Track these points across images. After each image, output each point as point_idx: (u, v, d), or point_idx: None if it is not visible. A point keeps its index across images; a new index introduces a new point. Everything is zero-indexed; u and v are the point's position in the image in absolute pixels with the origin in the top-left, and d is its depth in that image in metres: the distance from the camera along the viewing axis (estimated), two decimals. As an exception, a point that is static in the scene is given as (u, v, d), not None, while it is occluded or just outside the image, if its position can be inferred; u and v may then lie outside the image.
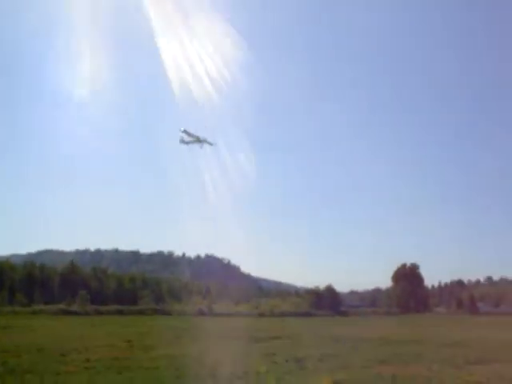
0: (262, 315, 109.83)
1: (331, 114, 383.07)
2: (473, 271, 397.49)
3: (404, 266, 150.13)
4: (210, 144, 62.89)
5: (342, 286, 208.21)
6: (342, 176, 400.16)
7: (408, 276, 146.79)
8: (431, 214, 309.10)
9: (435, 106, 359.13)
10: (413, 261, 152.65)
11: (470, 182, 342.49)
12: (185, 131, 54.93)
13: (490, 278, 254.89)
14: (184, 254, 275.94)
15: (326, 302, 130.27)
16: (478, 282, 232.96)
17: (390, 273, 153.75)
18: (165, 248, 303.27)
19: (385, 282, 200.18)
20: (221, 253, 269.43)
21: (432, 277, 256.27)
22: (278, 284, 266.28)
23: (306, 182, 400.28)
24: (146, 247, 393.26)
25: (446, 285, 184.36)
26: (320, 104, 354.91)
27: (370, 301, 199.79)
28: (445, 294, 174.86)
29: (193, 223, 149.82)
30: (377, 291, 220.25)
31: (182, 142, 55.14)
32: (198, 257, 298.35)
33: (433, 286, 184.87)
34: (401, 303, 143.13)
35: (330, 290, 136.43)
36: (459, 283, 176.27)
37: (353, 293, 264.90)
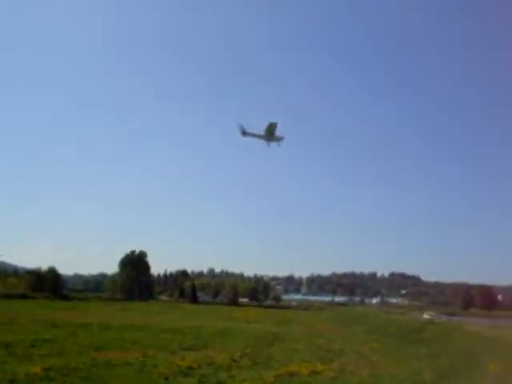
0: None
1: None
2: (197, 264, 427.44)
3: (133, 252, 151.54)
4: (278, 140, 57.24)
5: (66, 269, 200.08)
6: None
7: (135, 263, 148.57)
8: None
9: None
10: (143, 248, 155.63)
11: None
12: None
13: (211, 270, 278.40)
14: None
15: (46, 284, 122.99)
16: (201, 273, 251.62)
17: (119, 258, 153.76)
18: None
19: (112, 267, 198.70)
20: None
21: (158, 265, 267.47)
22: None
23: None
24: None
25: (171, 274, 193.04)
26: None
27: (95, 285, 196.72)
28: (169, 283, 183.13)
29: None
30: (102, 276, 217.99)
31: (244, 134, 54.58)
32: None
33: (159, 275, 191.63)
34: (125, 289, 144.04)
35: (51, 271, 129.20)
36: (183, 273, 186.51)
37: (77, 276, 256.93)
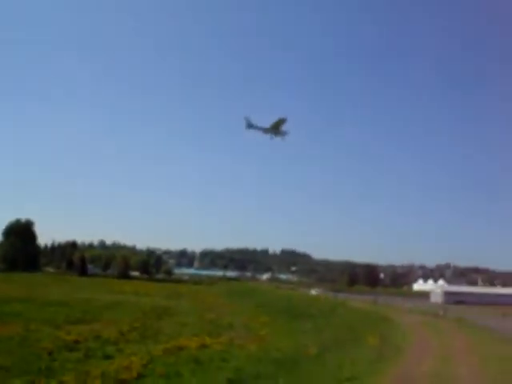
0: None
1: None
2: (88, 235, 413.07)
3: (18, 221, 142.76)
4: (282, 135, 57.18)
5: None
6: None
7: (20, 232, 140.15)
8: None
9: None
10: (29, 217, 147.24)
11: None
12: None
13: (102, 242, 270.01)
14: None
15: None
16: (91, 245, 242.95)
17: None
18: None
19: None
20: None
21: (46, 235, 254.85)
22: None
23: None
24: None
25: (59, 245, 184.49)
26: None
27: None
28: (57, 254, 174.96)
29: None
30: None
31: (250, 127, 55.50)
32: None
33: (46, 246, 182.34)
34: (8, 260, 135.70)
35: None
36: (72, 245, 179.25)
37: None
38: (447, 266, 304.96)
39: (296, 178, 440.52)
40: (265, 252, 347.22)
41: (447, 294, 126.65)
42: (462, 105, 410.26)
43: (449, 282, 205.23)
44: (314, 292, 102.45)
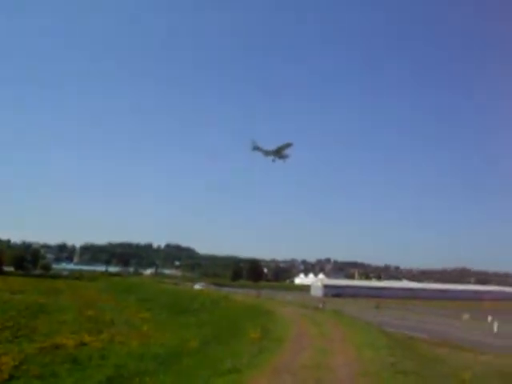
0: None
1: None
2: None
3: None
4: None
5: None
6: None
7: None
8: None
9: None
10: None
11: None
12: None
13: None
14: None
15: None
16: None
17: None
18: None
19: None
20: None
21: None
22: None
23: None
24: None
25: None
26: None
27: None
28: None
29: None
30: None
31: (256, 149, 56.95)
32: None
33: None
34: None
35: None
36: None
37: None
38: (327, 261, 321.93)
39: (181, 170, 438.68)
40: (148, 247, 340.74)
41: (326, 287, 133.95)
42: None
43: (328, 275, 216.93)
44: (197, 286, 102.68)
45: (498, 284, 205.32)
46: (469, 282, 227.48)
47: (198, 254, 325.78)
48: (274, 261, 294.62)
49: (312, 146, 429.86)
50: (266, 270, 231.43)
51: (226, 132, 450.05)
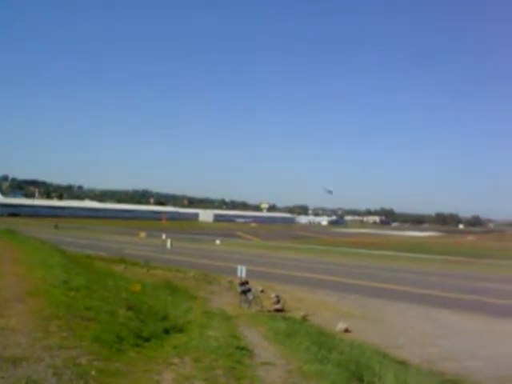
0: None
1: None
2: None
3: None
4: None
5: None
6: None
7: None
8: None
9: None
10: None
11: None
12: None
13: None
14: None
15: None
16: None
17: None
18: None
19: None
20: None
21: None
22: None
23: None
24: None
25: None
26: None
27: None
28: None
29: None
30: None
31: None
32: None
33: None
34: None
35: None
36: None
37: None
38: (4, 178, 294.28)
39: None
40: None
41: (2, 205, 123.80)
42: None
43: (6, 194, 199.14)
44: None
45: (174, 206, 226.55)
46: (149, 203, 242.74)
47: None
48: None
49: None
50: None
51: None
